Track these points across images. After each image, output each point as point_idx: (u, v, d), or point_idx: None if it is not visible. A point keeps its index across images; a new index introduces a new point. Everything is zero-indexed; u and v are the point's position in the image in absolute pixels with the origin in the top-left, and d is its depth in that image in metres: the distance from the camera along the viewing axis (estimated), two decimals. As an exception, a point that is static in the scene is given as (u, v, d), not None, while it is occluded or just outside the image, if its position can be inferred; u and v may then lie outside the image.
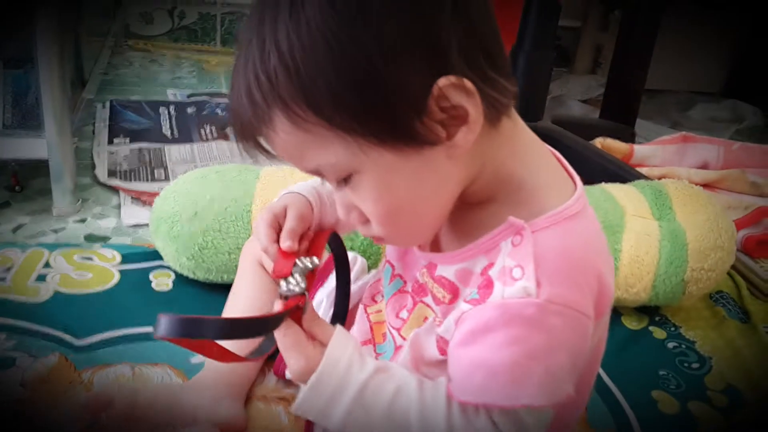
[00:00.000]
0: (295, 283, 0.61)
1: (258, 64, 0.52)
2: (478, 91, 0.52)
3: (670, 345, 1.02)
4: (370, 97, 0.51)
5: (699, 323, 1.07)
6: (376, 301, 0.77)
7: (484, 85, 0.52)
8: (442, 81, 0.51)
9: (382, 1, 0.50)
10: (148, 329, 0.90)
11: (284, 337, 0.60)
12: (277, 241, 0.66)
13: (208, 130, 1.57)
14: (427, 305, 0.65)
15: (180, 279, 1.03)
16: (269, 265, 0.85)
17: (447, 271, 0.61)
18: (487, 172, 0.57)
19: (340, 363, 0.59)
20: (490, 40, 0.54)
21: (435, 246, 0.65)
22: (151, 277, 1.03)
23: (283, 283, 0.61)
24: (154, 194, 1.27)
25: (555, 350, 0.56)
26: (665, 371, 0.97)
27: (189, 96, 1.74)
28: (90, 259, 1.06)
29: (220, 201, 1.00)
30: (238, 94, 0.55)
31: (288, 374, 0.63)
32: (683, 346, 1.02)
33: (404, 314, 0.68)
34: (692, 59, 2.24)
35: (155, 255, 1.06)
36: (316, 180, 0.73)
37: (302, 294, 0.60)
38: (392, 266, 0.71)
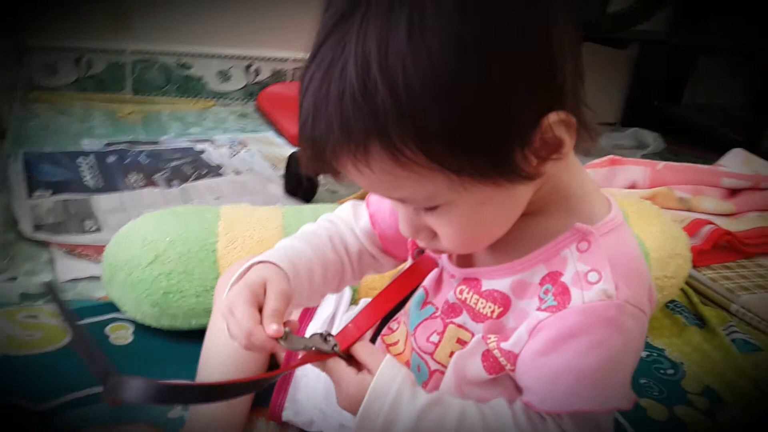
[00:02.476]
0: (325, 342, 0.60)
1: (356, 88, 0.47)
2: (577, 123, 0.52)
3: (643, 354, 1.04)
4: (487, 133, 0.49)
5: (663, 332, 1.10)
6: (392, 330, 0.74)
7: (578, 115, 0.52)
8: (553, 116, 0.50)
9: (512, 32, 0.48)
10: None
11: (329, 369, 0.59)
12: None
13: (133, 179, 1.49)
14: (460, 326, 0.63)
15: (140, 330, 0.95)
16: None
17: (500, 284, 0.60)
18: (546, 186, 0.57)
19: (390, 391, 0.58)
20: (582, 70, 0.54)
21: (466, 261, 0.64)
22: (107, 331, 0.95)
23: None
24: (89, 246, 1.18)
25: (630, 352, 0.57)
26: (645, 380, 0.98)
27: (106, 145, 1.65)
28: (35, 317, 0.96)
29: (183, 242, 0.94)
30: (324, 119, 0.49)
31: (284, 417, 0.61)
32: (655, 354, 1.05)
33: (435, 338, 0.65)
34: (591, 93, 2.36)
35: (108, 307, 0.98)
36: (289, 246, 0.69)
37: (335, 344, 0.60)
38: (427, 293, 0.68)
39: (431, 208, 0.55)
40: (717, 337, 1.08)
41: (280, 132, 1.89)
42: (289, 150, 1.71)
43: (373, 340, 0.76)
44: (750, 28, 2.21)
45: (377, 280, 0.91)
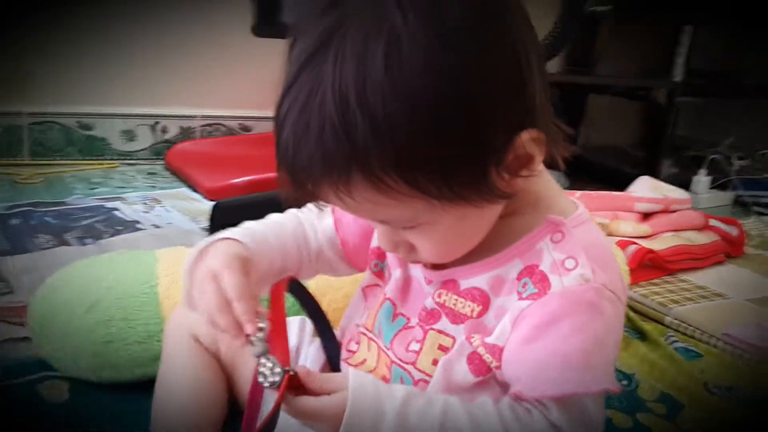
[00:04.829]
0: (270, 369, 0.55)
1: (336, 121, 0.47)
2: (546, 139, 0.54)
3: (596, 369, 1.05)
4: (465, 158, 0.51)
5: (609, 347, 1.12)
6: (352, 351, 0.71)
7: (547, 130, 0.55)
8: (525, 135, 0.52)
9: (485, 58, 0.49)
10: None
11: (298, 411, 0.55)
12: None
13: (43, 239, 1.39)
14: (440, 331, 0.62)
15: (77, 385, 0.86)
16: (208, 339, 0.75)
17: (478, 281, 0.60)
18: (519, 193, 0.58)
19: (367, 391, 0.56)
20: (547, 85, 0.56)
21: (442, 264, 0.63)
22: (39, 389, 0.85)
23: (261, 378, 0.55)
24: (2, 309, 1.08)
25: (611, 334, 0.58)
26: (604, 392, 0.98)
27: (9, 208, 1.54)
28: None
29: (121, 287, 0.87)
30: (305, 151, 0.49)
31: None
32: (607, 368, 1.05)
33: (415, 346, 0.64)
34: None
35: (37, 366, 0.89)
36: (254, 229, 0.69)
37: (284, 372, 0.54)
38: (394, 305, 0.67)
39: (411, 227, 0.56)
40: (660, 347, 1.11)
41: (194, 188, 1.83)
42: (207, 204, 1.67)
43: (334, 370, 0.73)
44: (633, 69, 2.37)
45: (340, 301, 0.88)
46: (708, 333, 1.15)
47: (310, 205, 0.74)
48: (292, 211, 0.74)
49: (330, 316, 0.84)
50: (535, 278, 0.57)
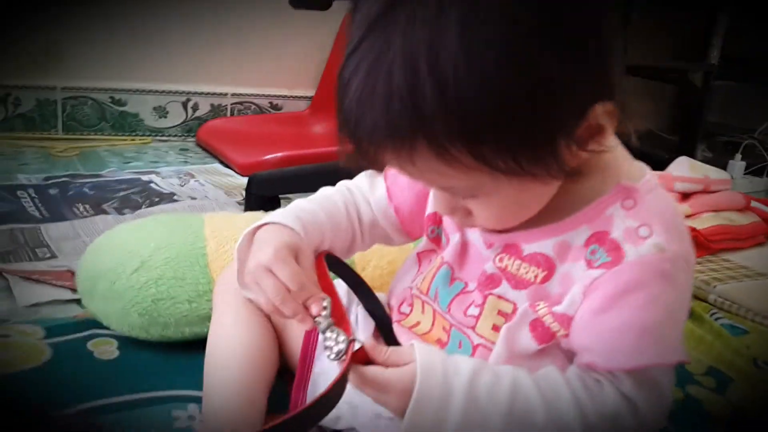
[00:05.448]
0: (335, 339, 0.56)
1: (404, 88, 0.46)
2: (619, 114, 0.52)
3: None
4: (535, 130, 0.49)
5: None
6: (404, 314, 0.70)
7: (621, 103, 0.53)
8: (599, 108, 0.51)
9: (566, 27, 0.48)
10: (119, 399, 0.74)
11: (366, 380, 0.55)
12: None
13: (81, 208, 1.39)
14: (499, 296, 0.61)
15: (125, 343, 0.87)
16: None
17: (542, 246, 0.59)
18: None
19: (436, 367, 0.55)
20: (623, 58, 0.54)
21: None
22: (89, 347, 0.86)
23: (327, 352, 0.56)
24: (47, 272, 1.09)
25: (683, 306, 0.58)
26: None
27: (45, 179, 1.55)
28: (6, 336, 0.86)
29: (168, 248, 0.87)
30: (369, 118, 0.48)
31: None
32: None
33: (474, 311, 0.63)
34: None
35: (85, 324, 0.89)
36: (303, 208, 0.69)
37: (350, 341, 0.56)
38: (452, 268, 0.66)
39: (471, 195, 0.55)
40: (706, 323, 1.09)
41: (226, 164, 1.83)
42: (240, 179, 1.67)
43: (385, 334, 0.72)
44: (664, 51, 2.34)
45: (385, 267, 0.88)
46: (753, 311, 1.13)
47: (361, 176, 0.75)
48: (343, 183, 0.74)
49: (376, 281, 0.84)
50: (607, 246, 0.56)
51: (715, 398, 0.90)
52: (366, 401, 0.71)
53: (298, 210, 0.67)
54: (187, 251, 0.87)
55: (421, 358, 0.55)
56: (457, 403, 0.54)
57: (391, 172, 0.71)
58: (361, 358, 0.56)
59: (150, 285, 0.84)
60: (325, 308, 0.58)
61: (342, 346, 0.55)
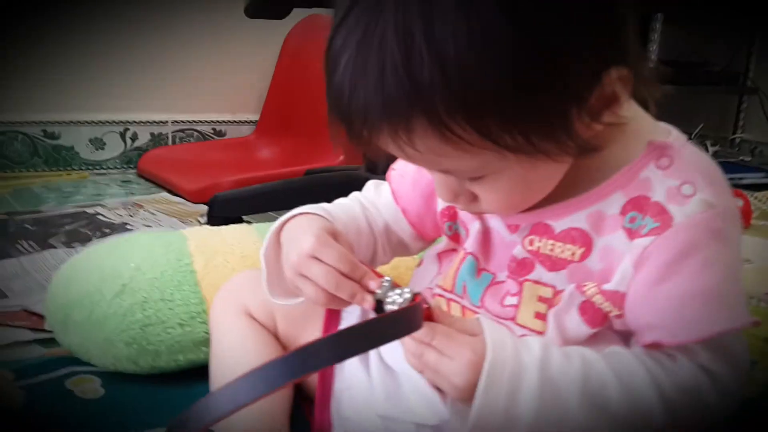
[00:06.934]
0: (400, 294, 0.52)
1: (399, 59, 0.42)
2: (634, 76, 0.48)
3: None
4: (551, 100, 0.45)
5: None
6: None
7: (637, 69, 0.49)
8: (614, 73, 0.47)
9: None
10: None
11: (435, 336, 0.50)
12: None
13: (26, 245, 1.27)
14: (536, 281, 0.56)
15: (110, 379, 0.76)
16: (263, 315, 0.68)
17: (575, 220, 0.54)
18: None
19: (507, 343, 0.51)
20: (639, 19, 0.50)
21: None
22: (68, 385, 0.75)
23: (389, 305, 0.52)
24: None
25: (738, 262, 0.53)
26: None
27: (-20, 218, 1.41)
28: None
29: (152, 268, 0.78)
30: (362, 94, 0.44)
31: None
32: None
33: (511, 300, 0.57)
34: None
35: (61, 361, 0.79)
36: (327, 208, 0.64)
37: (414, 295, 0.51)
38: (477, 259, 0.60)
39: (476, 177, 0.51)
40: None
41: (174, 192, 1.72)
42: (192, 207, 1.58)
43: None
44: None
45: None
46: (748, 294, 1.12)
47: (367, 185, 0.71)
48: (354, 195, 0.70)
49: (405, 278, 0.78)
50: (651, 211, 0.51)
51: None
52: (403, 410, 0.64)
53: (318, 208, 0.63)
54: (172, 270, 0.78)
55: (491, 332, 0.50)
56: (531, 379, 0.49)
57: (395, 173, 0.68)
58: (428, 316, 0.51)
59: (135, 310, 0.74)
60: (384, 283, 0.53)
61: (408, 296, 0.51)
